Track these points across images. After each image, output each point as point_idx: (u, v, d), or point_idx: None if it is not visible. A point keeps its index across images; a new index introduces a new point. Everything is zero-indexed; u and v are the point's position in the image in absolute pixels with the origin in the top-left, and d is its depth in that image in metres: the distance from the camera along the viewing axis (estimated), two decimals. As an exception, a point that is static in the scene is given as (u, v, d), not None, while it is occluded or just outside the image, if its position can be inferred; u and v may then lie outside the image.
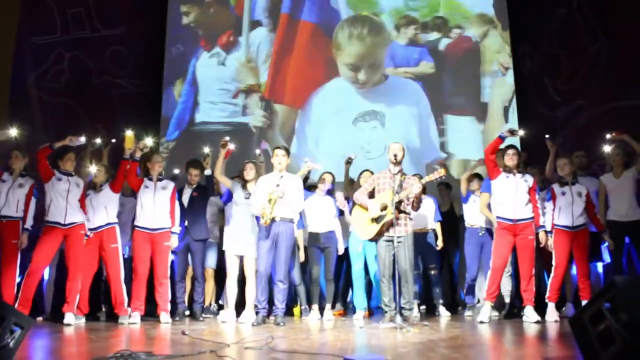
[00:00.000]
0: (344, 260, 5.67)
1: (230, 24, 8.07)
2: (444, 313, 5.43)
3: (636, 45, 5.92)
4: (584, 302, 4.54)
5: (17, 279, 4.68)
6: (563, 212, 4.86)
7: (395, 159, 4.62)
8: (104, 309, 5.36)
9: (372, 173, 5.12)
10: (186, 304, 5.40)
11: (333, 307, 5.45)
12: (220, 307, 5.56)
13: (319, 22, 7.93)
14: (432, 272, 5.58)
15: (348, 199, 5.29)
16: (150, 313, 5.04)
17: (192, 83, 7.92)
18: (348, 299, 6.04)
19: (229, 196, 5.21)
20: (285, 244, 4.73)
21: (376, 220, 4.59)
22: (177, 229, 5.04)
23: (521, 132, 4.90)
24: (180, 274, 5.33)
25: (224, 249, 5.15)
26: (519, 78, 7.60)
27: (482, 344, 3.61)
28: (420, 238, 5.36)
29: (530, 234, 4.72)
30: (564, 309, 5.11)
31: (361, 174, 5.46)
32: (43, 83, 6.91)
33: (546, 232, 4.82)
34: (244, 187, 5.10)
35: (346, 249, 5.47)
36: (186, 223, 5.24)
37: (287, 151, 4.91)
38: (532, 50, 7.59)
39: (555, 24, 7.22)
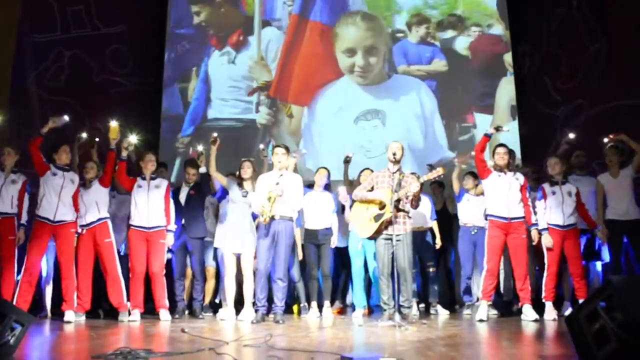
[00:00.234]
0: (343, 258, 5.68)
1: (240, 23, 8.16)
2: (441, 311, 5.44)
3: (636, 45, 5.93)
4: (581, 301, 4.55)
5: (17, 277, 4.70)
6: (554, 211, 4.87)
7: (394, 157, 4.63)
8: (103, 307, 5.37)
9: (372, 171, 5.13)
10: (185, 301, 5.42)
11: (332, 304, 5.46)
12: (218, 305, 5.57)
13: (330, 23, 7.98)
14: (430, 270, 5.60)
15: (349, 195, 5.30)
16: (150, 311, 5.06)
17: (205, 81, 8.04)
18: (347, 297, 6.06)
19: (223, 193, 5.20)
20: (284, 242, 4.74)
21: (375, 218, 4.61)
22: (172, 226, 5.04)
23: (506, 128, 5.02)
24: (179, 271, 5.35)
25: (216, 246, 5.17)
26: (519, 77, 7.61)
27: (479, 342, 3.62)
28: (417, 236, 5.37)
29: (523, 232, 4.74)
30: (564, 308, 5.12)
31: (361, 172, 5.49)
32: (43, 81, 6.90)
33: (539, 230, 4.83)
34: (240, 185, 5.09)
35: (346, 247, 5.48)
36: (183, 221, 5.26)
37: (287, 150, 4.91)
38: (532, 49, 7.60)
39: (555, 24, 7.22)
